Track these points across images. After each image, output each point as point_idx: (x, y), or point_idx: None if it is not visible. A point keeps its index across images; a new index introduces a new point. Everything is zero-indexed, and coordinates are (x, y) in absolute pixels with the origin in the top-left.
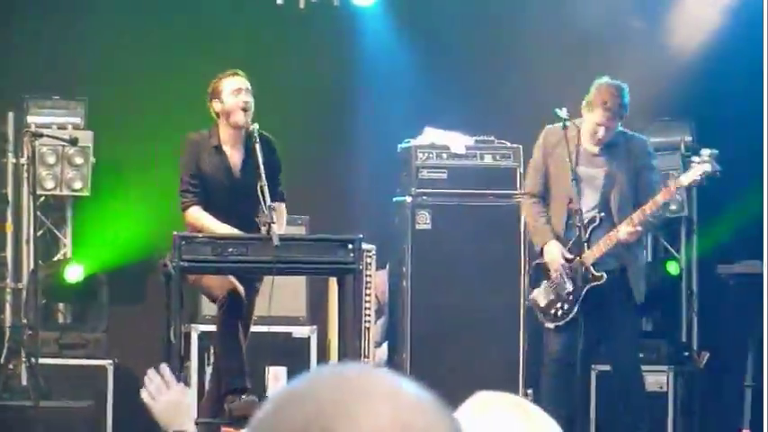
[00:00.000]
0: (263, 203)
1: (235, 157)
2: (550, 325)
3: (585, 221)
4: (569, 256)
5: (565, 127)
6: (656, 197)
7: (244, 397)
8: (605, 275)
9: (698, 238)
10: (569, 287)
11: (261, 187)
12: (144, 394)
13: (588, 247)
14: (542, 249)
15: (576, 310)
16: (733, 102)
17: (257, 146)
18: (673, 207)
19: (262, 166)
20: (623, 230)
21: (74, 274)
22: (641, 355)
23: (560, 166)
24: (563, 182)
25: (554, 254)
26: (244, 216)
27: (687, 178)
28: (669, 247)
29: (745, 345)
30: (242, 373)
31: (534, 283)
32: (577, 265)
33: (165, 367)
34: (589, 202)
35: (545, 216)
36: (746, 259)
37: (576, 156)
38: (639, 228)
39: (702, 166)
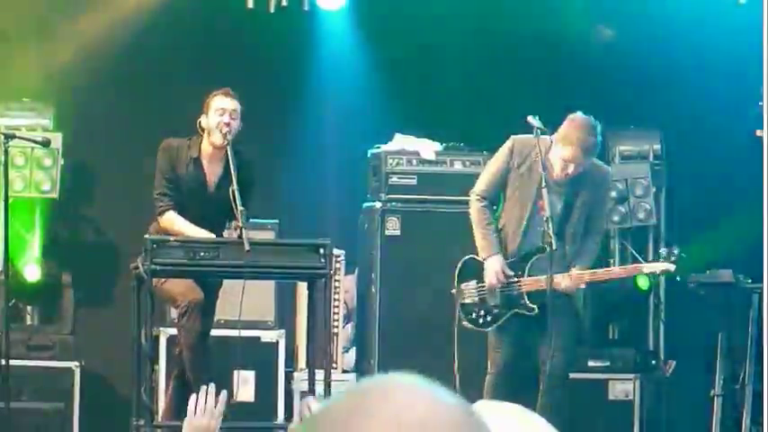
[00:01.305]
0: (234, 207)
1: (211, 173)
2: (468, 325)
3: (536, 248)
4: (509, 272)
5: (537, 136)
6: (614, 270)
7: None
8: (536, 310)
9: (666, 246)
10: (498, 302)
11: (232, 191)
12: (190, 408)
13: (529, 274)
14: (485, 258)
15: (495, 326)
16: (702, 110)
17: (230, 155)
18: (641, 216)
19: (234, 172)
20: (566, 284)
21: (32, 273)
22: (608, 364)
23: (524, 183)
24: (523, 202)
25: (495, 269)
26: (213, 227)
27: (648, 268)
28: (637, 255)
29: (713, 354)
30: (207, 381)
31: (462, 276)
32: (514, 286)
33: (212, 391)
34: (542, 226)
35: (493, 225)
36: (715, 268)
37: (540, 179)
38: (583, 287)
39: (667, 264)
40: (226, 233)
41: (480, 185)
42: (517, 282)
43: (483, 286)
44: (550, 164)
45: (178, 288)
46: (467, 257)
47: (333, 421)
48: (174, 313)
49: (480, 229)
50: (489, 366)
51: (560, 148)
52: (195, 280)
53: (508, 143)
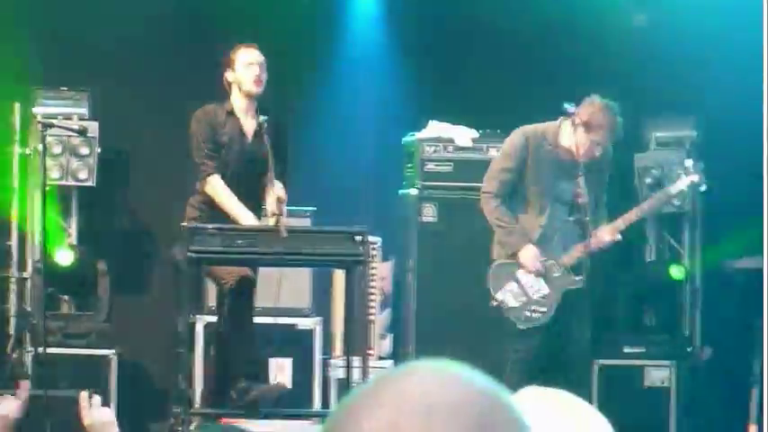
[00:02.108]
0: (271, 194)
1: (247, 123)
2: (523, 327)
3: (557, 226)
4: (543, 259)
5: (585, 141)
6: (643, 206)
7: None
8: (583, 279)
9: (702, 233)
10: (543, 290)
11: (268, 178)
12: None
13: (564, 251)
14: (516, 251)
15: (553, 313)
16: (739, 97)
17: (265, 136)
18: (677, 202)
19: (271, 158)
20: (609, 236)
21: (64, 258)
22: (644, 350)
23: (542, 171)
24: (542, 187)
25: (532, 256)
26: (252, 186)
27: (675, 189)
28: (673, 242)
29: (749, 340)
30: (256, 359)
31: (497, 284)
32: (551, 268)
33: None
34: (564, 208)
35: (516, 218)
36: (751, 254)
37: (555, 163)
38: (620, 237)
39: (690, 177)
40: (261, 220)
41: (493, 184)
42: (556, 261)
43: (523, 285)
44: (567, 147)
45: (226, 266)
46: (493, 265)
47: (364, 405)
48: (212, 300)
49: (502, 224)
50: (514, 353)
51: (590, 133)
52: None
53: (519, 138)
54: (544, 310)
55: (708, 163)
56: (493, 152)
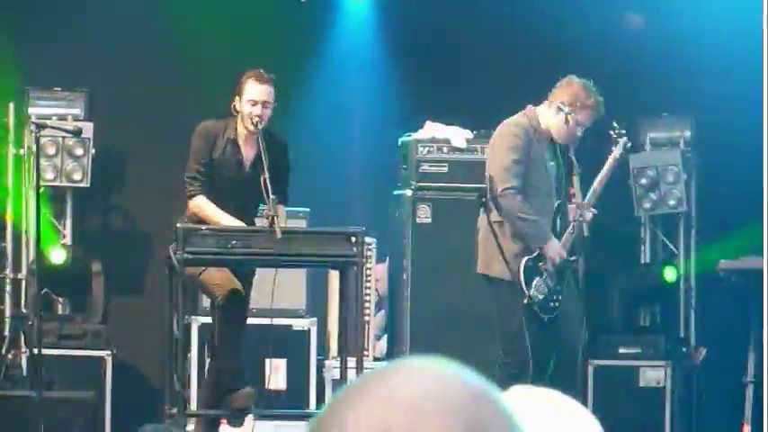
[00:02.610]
0: (265, 195)
1: (248, 152)
2: (545, 317)
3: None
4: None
5: (567, 122)
6: (602, 176)
7: (240, 391)
8: (576, 259)
9: (697, 233)
10: (554, 281)
11: (264, 180)
12: None
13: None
14: (541, 246)
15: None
16: (733, 96)
17: (261, 142)
18: (672, 203)
19: (265, 161)
20: (588, 216)
21: (57, 256)
22: (640, 350)
23: (538, 163)
24: (542, 177)
25: (558, 250)
26: (246, 210)
27: (618, 150)
28: (667, 242)
29: (744, 340)
30: (240, 373)
31: (527, 280)
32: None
33: None
34: (552, 195)
35: (536, 214)
36: (746, 255)
37: (547, 151)
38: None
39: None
40: (258, 222)
41: (513, 180)
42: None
43: (546, 278)
44: (548, 131)
45: (216, 280)
46: (525, 259)
47: (352, 403)
48: (207, 301)
49: (528, 218)
50: (505, 355)
51: (574, 114)
52: (231, 271)
53: (521, 131)
54: (560, 298)
55: (702, 163)
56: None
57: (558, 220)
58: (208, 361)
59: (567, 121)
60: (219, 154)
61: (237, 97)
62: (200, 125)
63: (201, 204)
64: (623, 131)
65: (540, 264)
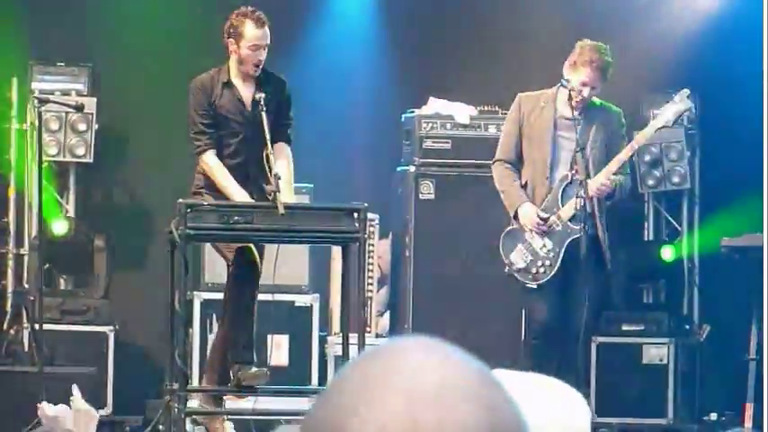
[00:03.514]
0: (268, 171)
1: (246, 91)
2: (533, 284)
3: (557, 181)
4: (544, 215)
5: (570, 98)
6: (633, 143)
7: (254, 369)
8: (585, 226)
9: (701, 211)
10: (548, 245)
11: (266, 155)
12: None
13: (562, 205)
14: (515, 213)
15: (557, 266)
16: (738, 72)
17: (263, 114)
18: (676, 180)
19: (268, 134)
20: (599, 181)
21: (59, 227)
22: (643, 328)
23: (538, 132)
24: (541, 146)
25: (529, 214)
26: (257, 154)
27: (660, 120)
28: (671, 219)
29: (747, 318)
30: (248, 346)
31: (506, 249)
32: (553, 223)
33: None
34: (567, 165)
35: (517, 181)
36: (749, 232)
37: (554, 121)
38: (612, 178)
39: (675, 105)
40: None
41: (498, 153)
42: (556, 215)
43: (528, 243)
44: (561, 106)
45: (227, 245)
46: (503, 234)
47: (345, 393)
48: (209, 277)
49: (505, 186)
50: (527, 333)
51: (572, 74)
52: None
53: (514, 103)
54: (549, 264)
55: (706, 141)
56: (492, 129)
57: (563, 191)
58: (211, 337)
59: (574, 84)
60: (218, 99)
61: (232, 39)
62: (192, 81)
63: (212, 164)
64: (685, 94)
65: (525, 231)
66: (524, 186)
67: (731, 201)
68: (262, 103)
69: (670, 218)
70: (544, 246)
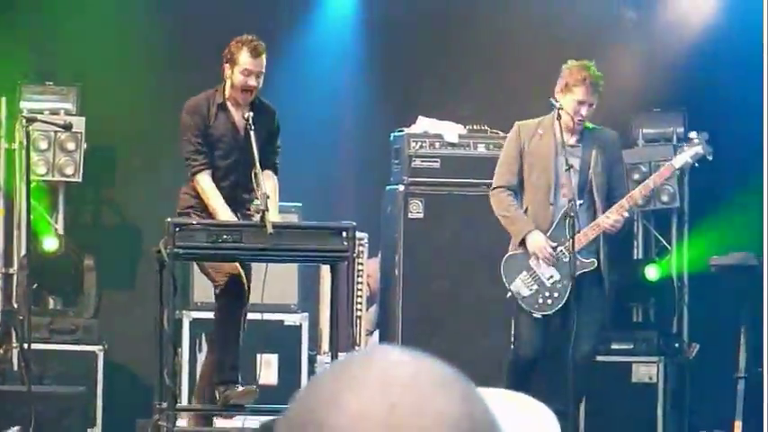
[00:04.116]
0: (256, 190)
1: (237, 116)
2: (537, 314)
3: (564, 211)
4: (553, 244)
5: (559, 117)
6: (647, 182)
7: (240, 387)
8: (595, 261)
9: (690, 229)
10: (555, 276)
11: (255, 174)
12: None
13: (571, 236)
14: (523, 240)
15: (565, 299)
16: (726, 91)
17: (252, 133)
18: (665, 198)
19: (256, 153)
20: (612, 218)
21: (50, 244)
22: (632, 346)
23: (539, 158)
24: (543, 173)
25: (540, 243)
26: (246, 178)
27: (678, 161)
28: (660, 237)
29: (736, 336)
30: (234, 367)
31: (510, 276)
32: (560, 254)
33: None
34: (569, 192)
35: (521, 207)
36: (739, 251)
37: (554, 147)
38: (626, 215)
39: (694, 148)
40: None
41: (496, 180)
42: (565, 246)
43: (533, 272)
44: (560, 132)
45: (217, 266)
46: (505, 257)
47: (322, 388)
48: (198, 296)
49: (510, 212)
50: (514, 351)
51: (566, 96)
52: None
53: (512, 132)
54: (557, 296)
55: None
56: (481, 148)
57: (568, 218)
58: (200, 357)
59: (559, 116)
60: (212, 121)
61: (228, 64)
62: (187, 102)
63: (206, 186)
64: (704, 137)
65: (531, 258)
66: (525, 212)
67: (719, 219)
68: (250, 121)
69: (659, 236)
70: (551, 276)
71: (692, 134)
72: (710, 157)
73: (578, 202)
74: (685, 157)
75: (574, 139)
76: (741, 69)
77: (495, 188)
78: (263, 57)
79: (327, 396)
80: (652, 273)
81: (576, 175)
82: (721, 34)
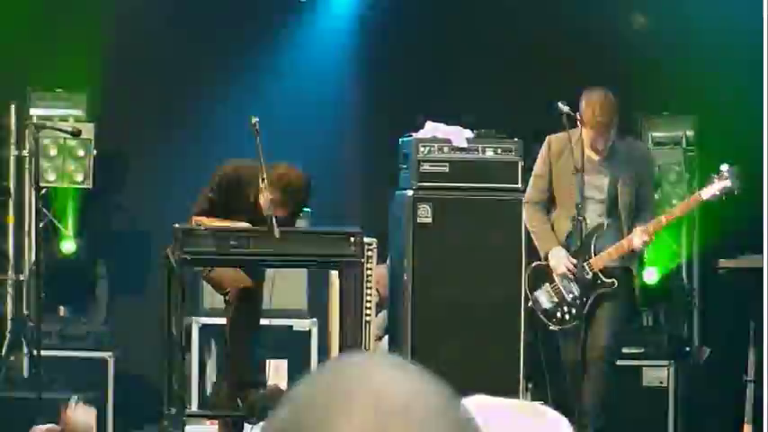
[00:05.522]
0: (263, 194)
1: (263, 197)
2: (555, 328)
3: (591, 228)
4: (574, 261)
5: (571, 126)
6: (675, 210)
7: (265, 389)
8: (615, 282)
9: (699, 232)
10: (575, 292)
11: (262, 179)
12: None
13: (595, 254)
14: (546, 254)
15: (584, 314)
16: (735, 95)
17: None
18: (674, 201)
19: (263, 160)
20: (638, 239)
21: (68, 247)
22: (642, 350)
23: (566, 174)
24: (569, 188)
25: (560, 259)
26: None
27: (706, 193)
28: (670, 242)
29: (746, 340)
30: (249, 369)
31: (534, 286)
32: (581, 271)
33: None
34: (596, 209)
35: (548, 222)
36: (748, 254)
37: (581, 163)
38: (653, 239)
39: (723, 182)
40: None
41: (528, 192)
42: (587, 263)
43: (556, 286)
44: (587, 148)
45: (227, 276)
46: (533, 265)
47: (313, 404)
48: (207, 302)
49: (536, 227)
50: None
51: (585, 128)
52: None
53: (544, 144)
54: (575, 312)
55: (705, 163)
56: (489, 153)
57: (596, 239)
58: (210, 363)
59: (588, 138)
60: (239, 205)
61: (262, 181)
62: (228, 167)
63: (203, 220)
64: (733, 171)
65: (554, 273)
66: (553, 227)
67: (729, 222)
68: (257, 127)
69: (668, 239)
70: (572, 292)
71: (723, 167)
72: (738, 193)
73: (606, 222)
74: (713, 190)
75: (602, 156)
76: (752, 72)
77: (526, 201)
78: (287, 193)
79: (320, 415)
80: (649, 276)
81: (603, 195)
82: (732, 37)
